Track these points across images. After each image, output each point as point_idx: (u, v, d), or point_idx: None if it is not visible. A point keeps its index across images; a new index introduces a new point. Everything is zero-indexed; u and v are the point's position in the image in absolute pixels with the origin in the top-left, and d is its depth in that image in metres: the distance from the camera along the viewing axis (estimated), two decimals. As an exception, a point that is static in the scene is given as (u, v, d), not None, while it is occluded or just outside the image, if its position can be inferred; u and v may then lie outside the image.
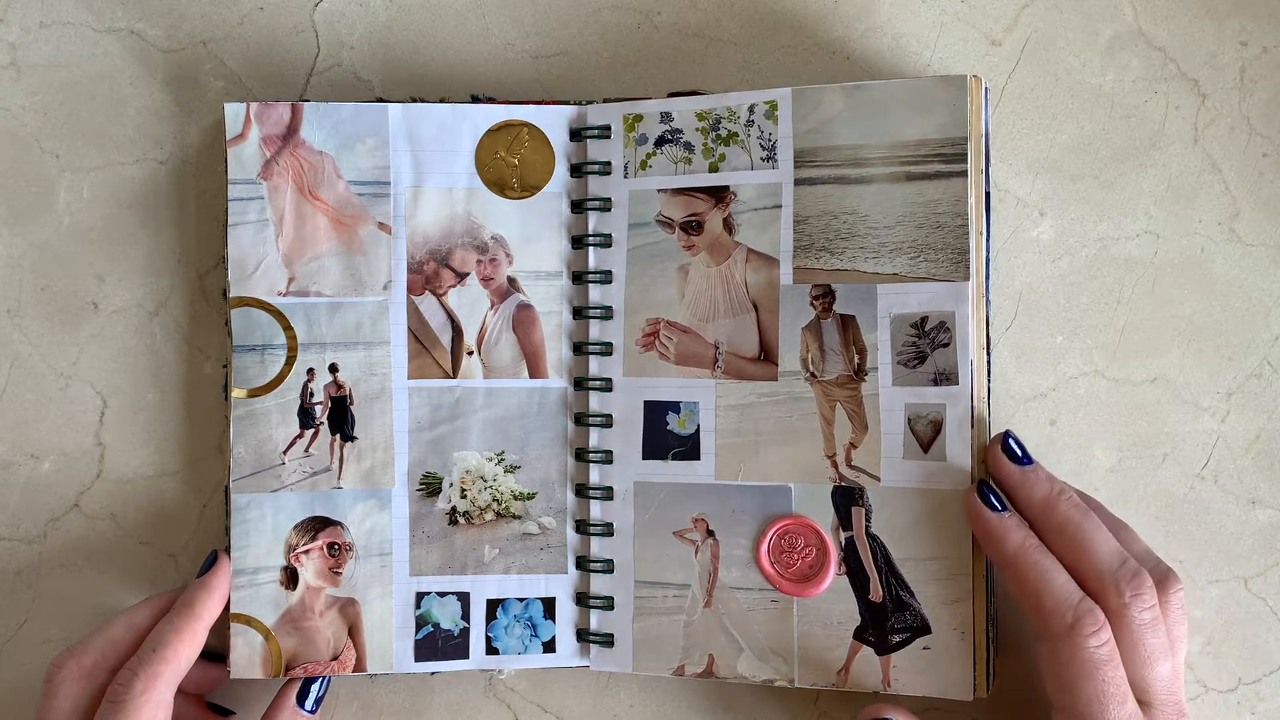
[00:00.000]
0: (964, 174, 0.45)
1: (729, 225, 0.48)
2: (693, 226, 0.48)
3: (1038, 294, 0.51)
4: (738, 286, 0.48)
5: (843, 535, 0.47)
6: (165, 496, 0.50)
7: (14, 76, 0.50)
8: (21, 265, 0.50)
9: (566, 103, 0.50)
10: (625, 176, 0.49)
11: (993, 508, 0.43)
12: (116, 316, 0.50)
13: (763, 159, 0.47)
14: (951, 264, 0.45)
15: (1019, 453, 0.44)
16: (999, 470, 0.44)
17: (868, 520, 0.46)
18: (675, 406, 0.48)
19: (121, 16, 0.51)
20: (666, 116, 0.48)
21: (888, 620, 0.46)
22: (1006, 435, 0.45)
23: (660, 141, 0.48)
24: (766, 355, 0.47)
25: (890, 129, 0.46)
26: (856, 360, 0.46)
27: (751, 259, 0.48)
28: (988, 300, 0.46)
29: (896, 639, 0.45)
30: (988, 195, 0.46)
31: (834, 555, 0.46)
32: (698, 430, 0.48)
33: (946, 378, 0.45)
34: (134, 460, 0.50)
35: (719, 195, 0.48)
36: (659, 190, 0.48)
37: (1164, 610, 0.41)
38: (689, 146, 0.48)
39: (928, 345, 0.45)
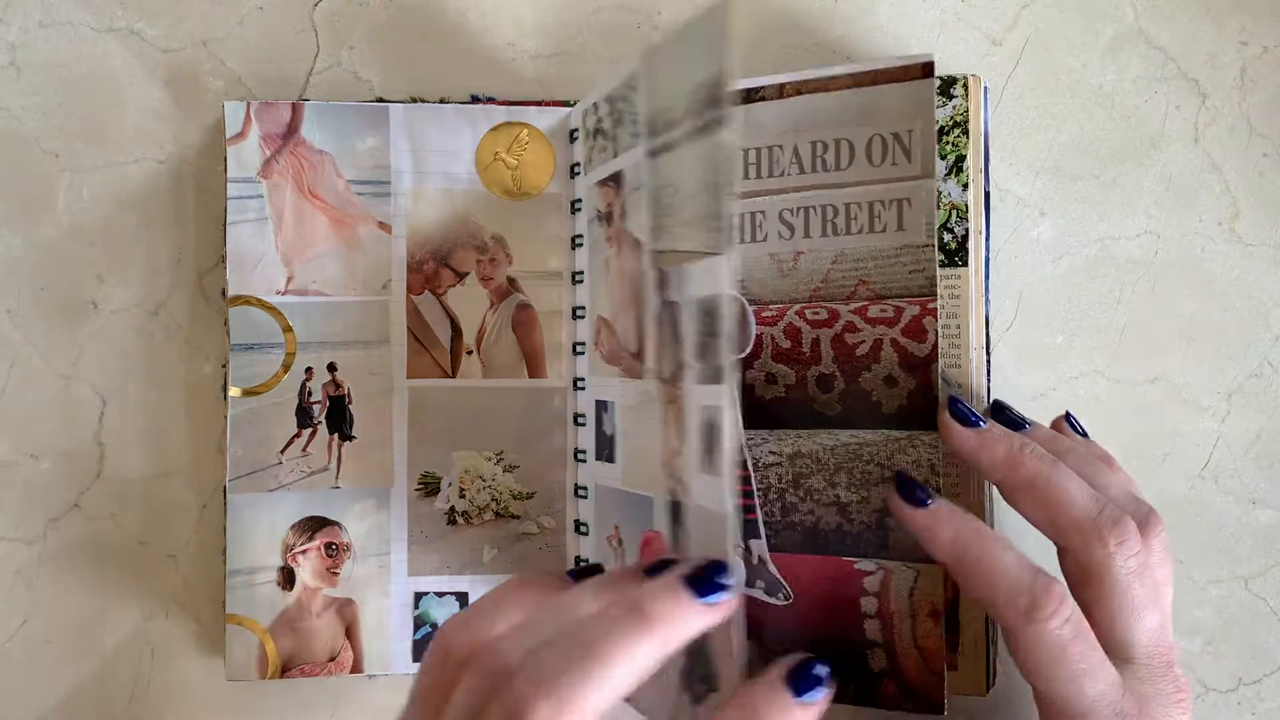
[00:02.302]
0: (719, 123, 0.35)
1: (622, 212, 0.44)
2: (609, 218, 0.45)
3: (1038, 294, 0.50)
4: (627, 277, 0.44)
5: None
6: (165, 496, 0.50)
7: (14, 76, 0.50)
8: (21, 265, 0.50)
9: (566, 103, 0.50)
10: (584, 175, 0.48)
11: (918, 502, 0.40)
12: (116, 316, 0.50)
13: (632, 135, 0.43)
14: (716, 233, 0.36)
15: (969, 415, 0.41)
16: (952, 439, 0.41)
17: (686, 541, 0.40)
18: (607, 406, 0.46)
19: (121, 16, 0.51)
20: (597, 107, 0.46)
21: (694, 664, 0.38)
22: (952, 399, 0.41)
23: (595, 134, 0.47)
24: (641, 351, 0.43)
25: (687, 82, 0.37)
26: (678, 354, 0.39)
27: (633, 247, 0.43)
28: (987, 300, 0.46)
29: (699, 688, 0.38)
30: (987, 195, 0.46)
31: None
32: (615, 432, 0.46)
33: (717, 374, 0.36)
34: (134, 460, 0.50)
35: (618, 181, 0.44)
36: (596, 184, 0.47)
37: (1147, 553, 0.39)
38: (607, 134, 0.45)
39: (709, 335, 0.37)
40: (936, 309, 0.42)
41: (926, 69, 0.42)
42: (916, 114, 0.43)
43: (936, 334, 0.42)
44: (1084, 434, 0.45)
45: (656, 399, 0.41)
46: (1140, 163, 0.51)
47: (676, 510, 0.39)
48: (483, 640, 0.33)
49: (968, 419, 0.41)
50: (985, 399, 0.46)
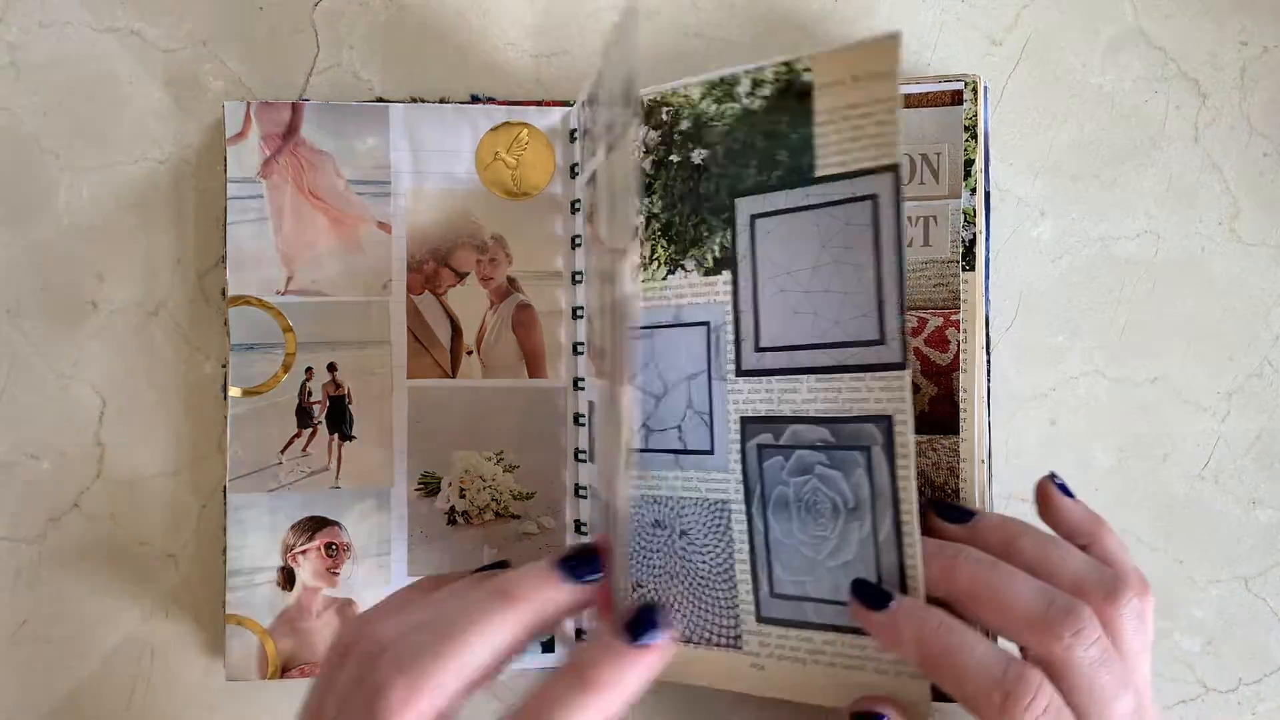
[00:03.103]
0: (627, 126, 0.36)
1: (593, 212, 0.45)
2: (591, 218, 0.46)
3: (1038, 294, 0.50)
4: (597, 277, 0.44)
5: None
6: (165, 496, 0.50)
7: (14, 76, 0.50)
8: (21, 265, 0.50)
9: (566, 103, 0.50)
10: (581, 174, 0.48)
11: (875, 605, 0.38)
12: (116, 316, 0.50)
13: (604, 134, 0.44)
14: (625, 231, 0.37)
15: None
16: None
17: None
18: (594, 407, 0.47)
19: (121, 16, 0.51)
20: (584, 106, 0.47)
21: None
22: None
23: (586, 134, 0.47)
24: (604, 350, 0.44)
25: (615, 86, 0.38)
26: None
27: (600, 249, 0.44)
28: (987, 300, 0.46)
29: None
30: (987, 195, 0.46)
31: None
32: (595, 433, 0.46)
33: (619, 374, 0.37)
34: (134, 460, 0.50)
35: (594, 181, 0.45)
36: (585, 184, 0.47)
37: (1114, 627, 0.37)
38: (591, 134, 0.46)
39: (617, 334, 0.39)
40: (959, 321, 0.44)
41: (956, 96, 0.45)
42: (945, 138, 0.45)
43: (959, 345, 0.44)
44: (1070, 495, 0.43)
45: (608, 398, 0.41)
46: (1140, 163, 0.51)
47: (606, 511, 0.40)
48: (366, 632, 0.34)
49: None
50: (986, 399, 0.46)
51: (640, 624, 0.34)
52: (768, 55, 0.51)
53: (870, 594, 0.39)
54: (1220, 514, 0.50)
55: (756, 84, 0.42)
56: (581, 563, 0.35)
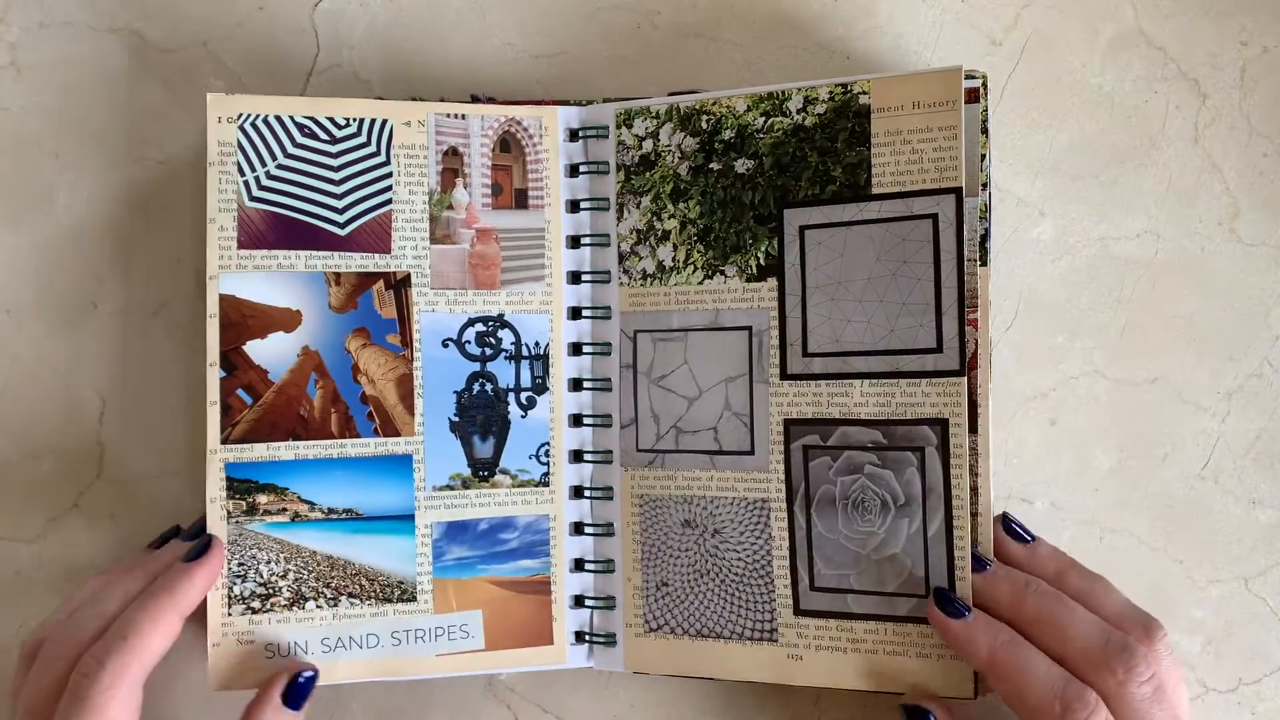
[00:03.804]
0: None
1: None
2: None
3: (1038, 294, 0.50)
4: None
5: None
6: (165, 496, 0.50)
7: (14, 76, 0.50)
8: (21, 265, 0.50)
9: (566, 103, 0.50)
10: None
11: (955, 614, 0.42)
12: (116, 316, 0.50)
13: None
14: None
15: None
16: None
17: None
18: None
19: (121, 16, 0.51)
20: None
21: None
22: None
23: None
24: None
25: None
26: None
27: None
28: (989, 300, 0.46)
29: None
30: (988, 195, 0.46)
31: None
32: None
33: None
34: (134, 460, 0.50)
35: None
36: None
37: (1153, 659, 0.40)
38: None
39: None
40: (978, 320, 0.44)
41: (972, 95, 0.45)
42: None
43: (976, 343, 0.44)
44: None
45: None
46: (1140, 163, 0.51)
47: None
48: (58, 635, 0.41)
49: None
50: (987, 399, 0.46)
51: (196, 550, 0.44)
52: (768, 56, 0.51)
53: (951, 604, 0.42)
54: (1220, 514, 0.50)
55: (810, 101, 0.45)
56: (200, 549, 0.44)
